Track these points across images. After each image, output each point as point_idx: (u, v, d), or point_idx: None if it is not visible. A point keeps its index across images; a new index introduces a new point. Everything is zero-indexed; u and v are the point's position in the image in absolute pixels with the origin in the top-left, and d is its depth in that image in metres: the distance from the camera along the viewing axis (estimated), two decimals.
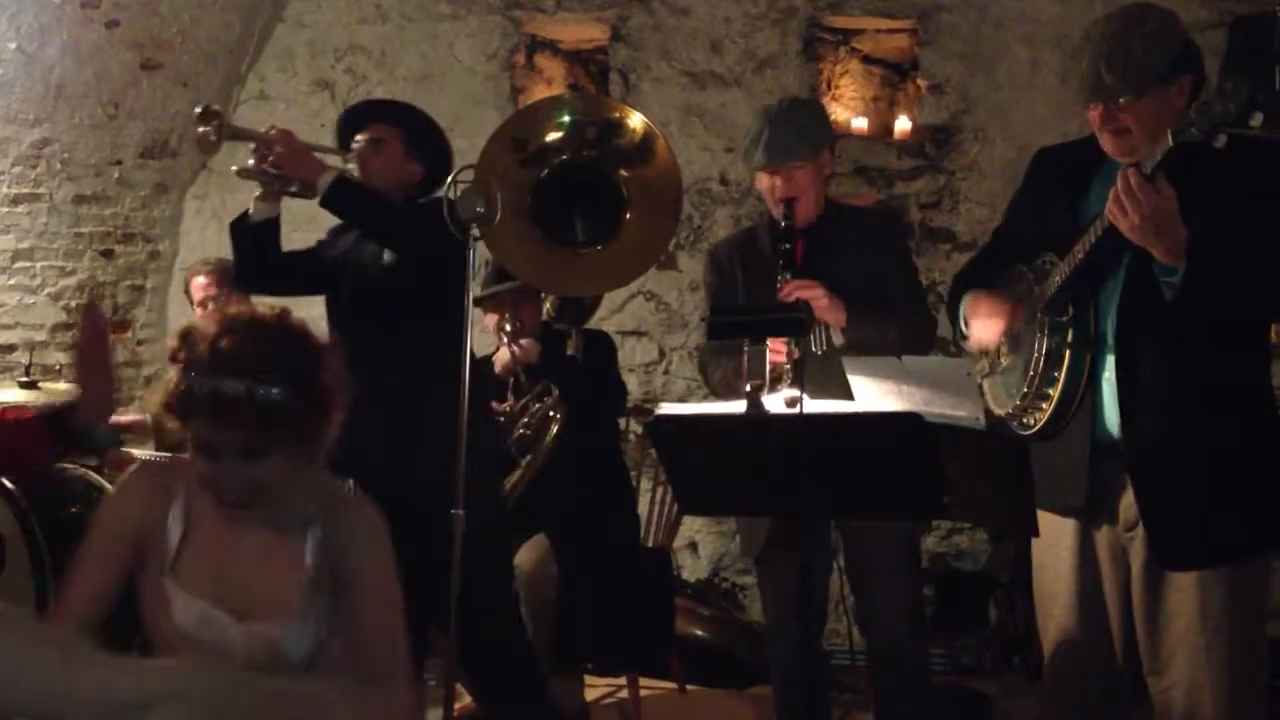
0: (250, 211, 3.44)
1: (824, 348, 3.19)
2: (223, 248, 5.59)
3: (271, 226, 3.46)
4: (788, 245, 3.24)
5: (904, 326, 3.21)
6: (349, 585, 2.00)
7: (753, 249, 3.44)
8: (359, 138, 3.48)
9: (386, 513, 2.11)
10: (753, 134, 3.33)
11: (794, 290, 3.16)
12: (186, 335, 1.94)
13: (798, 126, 3.27)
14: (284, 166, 3.30)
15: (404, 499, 2.44)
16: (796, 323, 2.61)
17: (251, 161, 3.36)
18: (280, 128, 3.37)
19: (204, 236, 5.74)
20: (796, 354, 3.05)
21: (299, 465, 1.98)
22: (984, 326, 2.71)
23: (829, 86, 5.36)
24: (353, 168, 3.41)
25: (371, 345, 2.90)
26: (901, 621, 3.30)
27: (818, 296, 3.14)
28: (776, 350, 3.06)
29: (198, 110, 3.35)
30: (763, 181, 3.34)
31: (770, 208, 3.37)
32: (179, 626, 1.99)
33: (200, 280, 4.64)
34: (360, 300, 3.43)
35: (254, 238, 3.47)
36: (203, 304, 4.64)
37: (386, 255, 3.40)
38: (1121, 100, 2.44)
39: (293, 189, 3.37)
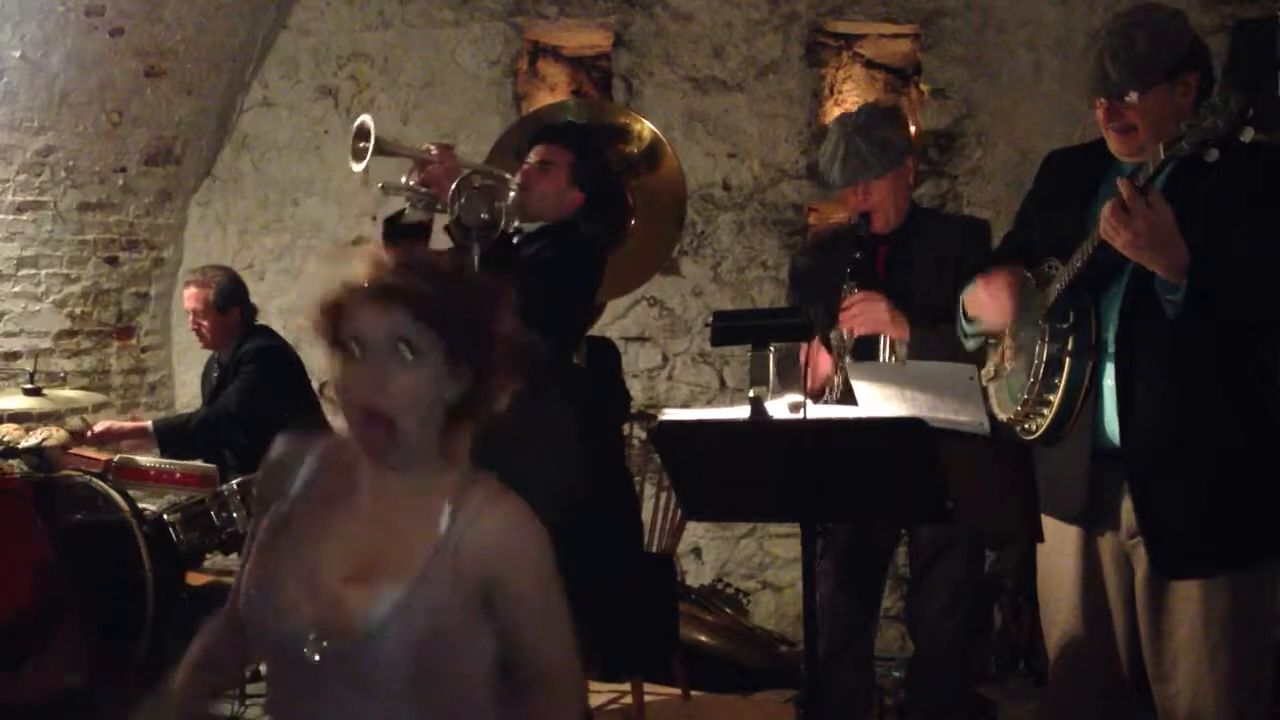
0: (405, 211, 3.34)
1: (899, 359, 3.19)
2: (226, 254, 5.64)
3: (422, 229, 3.33)
4: (859, 255, 3.25)
5: None
6: (495, 596, 1.71)
7: (839, 250, 3.40)
8: (530, 156, 3.41)
9: None
10: (829, 150, 3.31)
11: (857, 303, 3.19)
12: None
13: (873, 140, 3.25)
14: (432, 186, 3.22)
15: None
16: (799, 328, 2.60)
17: (404, 178, 3.28)
18: (441, 144, 3.27)
19: (208, 243, 5.75)
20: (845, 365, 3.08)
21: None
22: (994, 305, 2.64)
23: (831, 91, 5.36)
24: (514, 186, 3.32)
25: None
26: (947, 633, 3.30)
27: (879, 310, 3.16)
28: (825, 361, 3.09)
29: (355, 124, 3.28)
30: (845, 196, 3.35)
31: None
32: (250, 595, 1.79)
33: (190, 290, 4.71)
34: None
35: (402, 239, 3.38)
36: (191, 313, 4.68)
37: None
38: (1125, 96, 2.44)
39: (439, 207, 3.27)
